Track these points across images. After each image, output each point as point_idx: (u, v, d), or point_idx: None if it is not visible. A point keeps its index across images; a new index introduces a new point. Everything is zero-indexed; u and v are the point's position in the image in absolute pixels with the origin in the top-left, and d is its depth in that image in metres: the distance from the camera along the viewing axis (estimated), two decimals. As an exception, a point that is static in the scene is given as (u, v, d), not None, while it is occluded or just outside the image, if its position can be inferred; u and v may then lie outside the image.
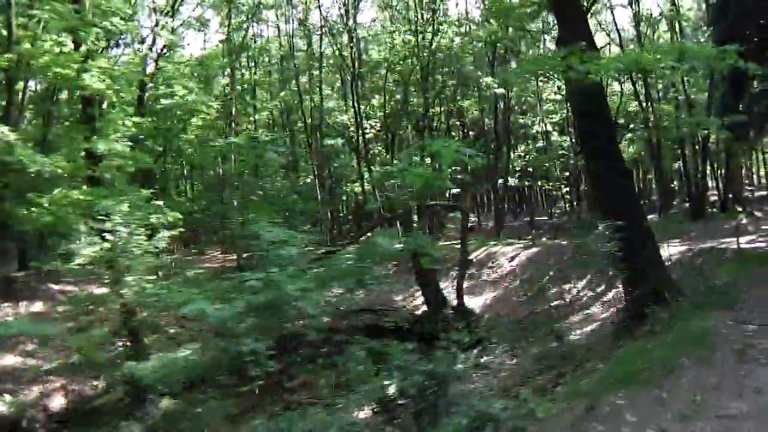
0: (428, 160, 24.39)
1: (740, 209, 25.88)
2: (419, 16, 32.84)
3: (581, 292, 15.19)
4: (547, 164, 36.26)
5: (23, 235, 20.01)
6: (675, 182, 41.96)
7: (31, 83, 24.07)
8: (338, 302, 22.29)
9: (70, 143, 19.40)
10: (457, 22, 36.36)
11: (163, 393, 12.71)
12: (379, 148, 38.98)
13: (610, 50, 33.29)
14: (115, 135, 18.53)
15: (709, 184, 32.91)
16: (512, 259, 22.00)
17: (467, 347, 13.49)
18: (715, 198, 31.71)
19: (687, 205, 31.67)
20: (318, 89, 35.86)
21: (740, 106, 14.72)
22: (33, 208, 15.42)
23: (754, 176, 50.21)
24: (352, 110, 34.08)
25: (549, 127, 36.73)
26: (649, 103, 31.47)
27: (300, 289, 10.42)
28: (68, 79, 17.44)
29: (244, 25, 34.65)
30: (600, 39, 30.64)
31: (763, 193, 37.63)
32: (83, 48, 17.38)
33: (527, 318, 15.66)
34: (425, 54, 31.79)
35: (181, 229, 17.20)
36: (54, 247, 17.37)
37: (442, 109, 37.28)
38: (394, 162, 34.44)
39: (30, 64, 17.90)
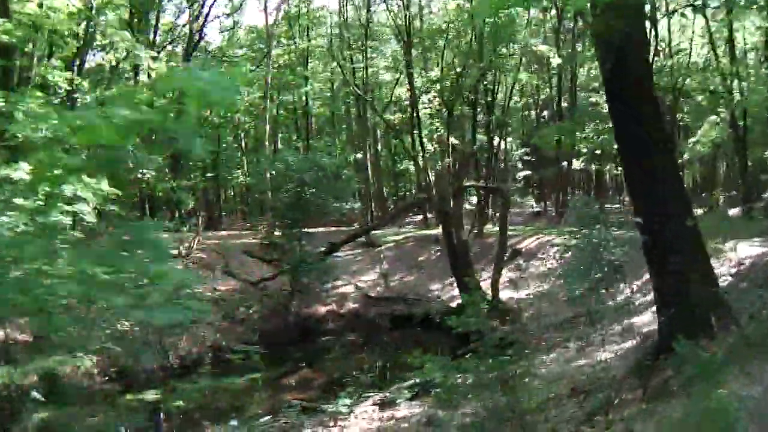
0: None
1: None
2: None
3: (635, 294, 12.87)
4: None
5: None
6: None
7: None
8: (367, 289, 21.17)
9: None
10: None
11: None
12: (437, 124, 36.84)
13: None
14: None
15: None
16: (567, 249, 19.76)
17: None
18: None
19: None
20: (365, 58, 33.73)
21: None
22: None
23: None
24: (407, 84, 32.07)
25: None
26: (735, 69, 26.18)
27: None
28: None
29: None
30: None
31: None
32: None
33: (566, 322, 13.63)
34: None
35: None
36: None
37: (502, 85, 34.41)
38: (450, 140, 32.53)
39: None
